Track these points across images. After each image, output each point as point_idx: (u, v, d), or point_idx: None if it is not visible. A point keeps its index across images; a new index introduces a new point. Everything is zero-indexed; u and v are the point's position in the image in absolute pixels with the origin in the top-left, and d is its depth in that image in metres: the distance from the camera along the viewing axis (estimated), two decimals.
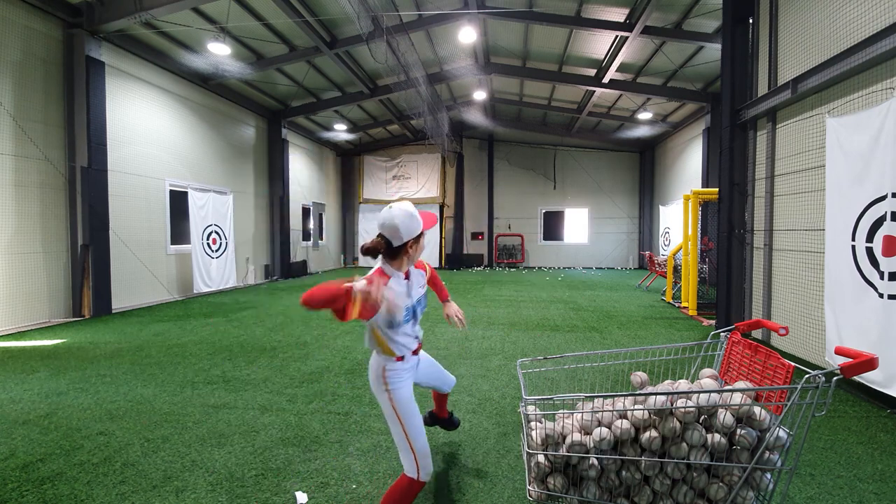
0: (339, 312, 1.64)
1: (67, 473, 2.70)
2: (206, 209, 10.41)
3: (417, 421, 1.98)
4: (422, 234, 1.97)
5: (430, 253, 18.30)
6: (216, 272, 10.67)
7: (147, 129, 9.10)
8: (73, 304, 7.57)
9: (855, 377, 3.40)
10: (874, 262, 3.77)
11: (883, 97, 3.98)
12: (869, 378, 3.77)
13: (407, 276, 2.00)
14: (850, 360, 1.51)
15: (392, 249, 1.89)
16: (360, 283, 1.68)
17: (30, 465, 2.79)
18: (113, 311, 8.00)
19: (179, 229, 10.00)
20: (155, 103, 9.31)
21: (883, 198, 3.70)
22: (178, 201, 9.90)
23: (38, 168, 7.05)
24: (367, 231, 18.76)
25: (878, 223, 3.74)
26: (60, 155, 7.41)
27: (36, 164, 7.01)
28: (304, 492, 2.50)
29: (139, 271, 8.85)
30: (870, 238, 3.82)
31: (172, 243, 9.80)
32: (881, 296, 3.66)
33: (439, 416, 2.78)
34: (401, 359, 2.00)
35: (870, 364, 1.48)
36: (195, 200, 10.05)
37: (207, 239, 10.39)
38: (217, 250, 10.72)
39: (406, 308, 1.96)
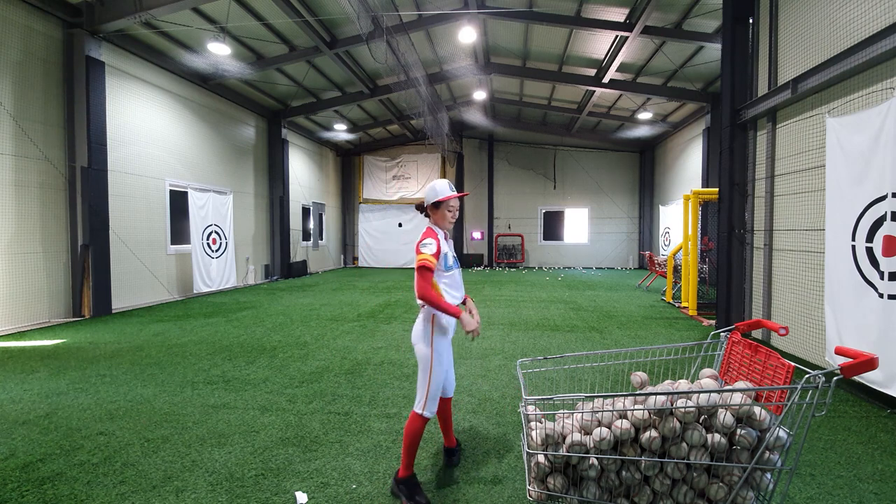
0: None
1: (67, 473, 2.69)
2: (206, 209, 10.41)
3: (442, 369, 2.47)
4: (440, 203, 2.53)
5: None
6: (216, 272, 10.67)
7: (147, 128, 9.10)
8: (73, 304, 7.57)
9: (855, 377, 3.40)
10: (874, 262, 3.77)
11: (883, 97, 3.98)
12: (869, 378, 3.77)
13: (447, 237, 2.63)
14: (850, 360, 1.51)
15: (424, 210, 2.63)
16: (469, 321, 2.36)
17: (30, 465, 2.79)
18: (113, 311, 8.00)
19: (179, 229, 9.99)
20: (155, 103, 9.31)
21: (883, 198, 3.69)
22: (178, 201, 9.90)
23: (38, 168, 7.05)
24: (367, 231, 18.77)
25: (879, 223, 3.74)
26: (60, 155, 7.41)
27: (36, 163, 7.01)
28: (304, 492, 2.50)
29: (139, 271, 8.85)
30: (870, 238, 3.82)
31: (172, 243, 9.80)
32: (881, 296, 3.66)
33: (446, 446, 2.88)
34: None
35: (870, 364, 1.48)
36: (195, 200, 10.05)
37: (207, 239, 10.39)
38: (217, 250, 10.72)
39: (453, 257, 2.62)
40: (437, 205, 2.55)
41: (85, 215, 7.51)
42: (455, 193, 2.56)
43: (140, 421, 3.44)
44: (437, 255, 2.39)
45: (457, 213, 2.61)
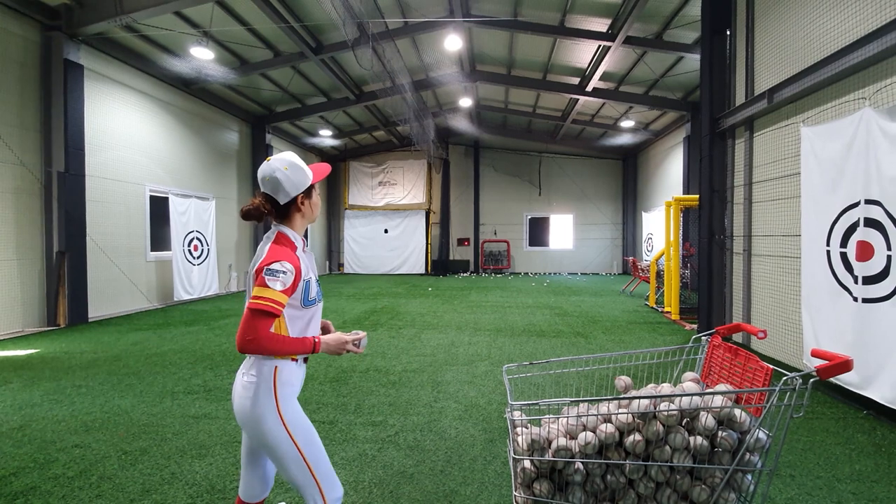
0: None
1: (42, 487, 2.60)
2: (188, 215, 10.24)
3: (318, 441, 1.65)
4: (313, 186, 1.70)
5: (416, 259, 18.28)
6: (198, 279, 10.48)
7: (127, 133, 8.94)
8: (47, 313, 7.35)
9: (832, 379, 3.48)
10: (848, 266, 3.88)
11: (855, 107, 4.12)
12: (845, 380, 3.86)
13: (305, 247, 1.72)
14: (826, 362, 1.55)
15: (281, 208, 1.64)
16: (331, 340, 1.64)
17: (2, 479, 2.69)
18: (89, 320, 7.79)
19: (160, 235, 9.80)
20: (135, 107, 9.16)
21: (856, 204, 3.81)
22: (159, 207, 9.72)
23: (13, 173, 6.86)
24: (352, 238, 18.67)
25: (852, 229, 3.85)
26: (36, 159, 7.22)
27: (11, 168, 6.82)
28: (287, 502, 2.46)
29: (117, 279, 8.64)
30: (844, 243, 3.94)
31: (152, 250, 9.60)
32: (855, 299, 3.77)
33: None
34: (295, 360, 1.64)
35: (845, 366, 1.52)
36: (176, 206, 9.88)
37: (189, 245, 10.21)
38: (199, 257, 10.54)
39: (317, 283, 1.72)
40: (310, 191, 1.69)
41: (61, 221, 7.32)
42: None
43: (117, 433, 3.34)
44: (295, 286, 1.55)
45: None
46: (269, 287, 1.47)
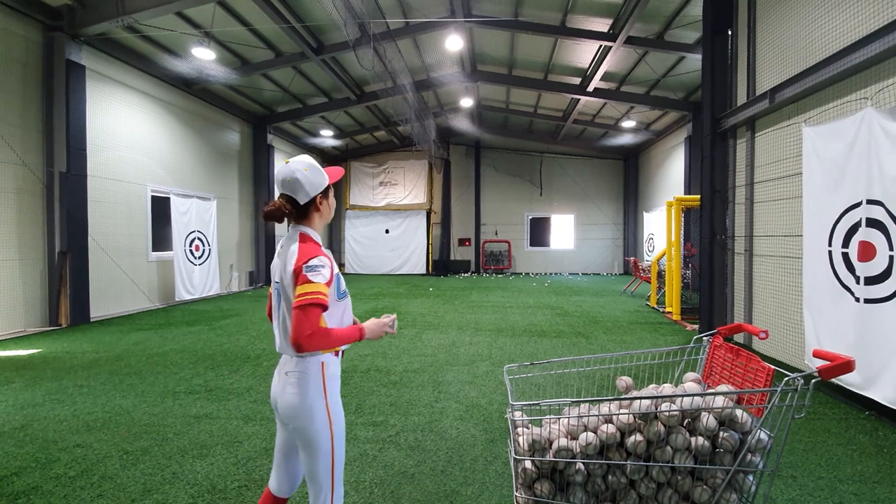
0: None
1: (43, 487, 2.61)
2: (189, 215, 10.25)
3: (344, 442, 1.70)
4: (329, 187, 1.78)
5: (417, 259, 18.28)
6: (199, 279, 10.49)
7: (129, 133, 8.95)
8: (49, 313, 7.36)
9: (834, 380, 3.48)
10: (850, 267, 3.87)
11: (857, 107, 4.11)
12: (847, 380, 3.85)
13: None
14: (828, 362, 1.55)
15: (301, 209, 1.69)
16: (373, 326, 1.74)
17: (4, 479, 2.70)
18: (91, 320, 7.80)
19: (161, 236, 9.82)
20: (137, 108, 9.17)
21: (857, 204, 3.81)
22: (161, 207, 9.74)
23: (15, 173, 6.87)
24: (353, 238, 18.68)
25: (854, 229, 3.85)
26: (38, 160, 7.23)
27: (13, 169, 6.83)
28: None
29: (119, 279, 8.65)
30: (845, 244, 3.93)
31: (154, 250, 9.62)
32: (857, 300, 3.76)
33: None
34: (338, 353, 1.71)
35: (847, 366, 1.51)
36: (178, 206, 9.90)
37: (190, 245, 10.23)
38: (200, 257, 10.56)
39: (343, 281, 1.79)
40: (327, 191, 1.77)
41: (63, 221, 7.33)
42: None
43: (119, 432, 3.35)
44: (332, 279, 1.61)
45: None
46: (312, 282, 1.52)
